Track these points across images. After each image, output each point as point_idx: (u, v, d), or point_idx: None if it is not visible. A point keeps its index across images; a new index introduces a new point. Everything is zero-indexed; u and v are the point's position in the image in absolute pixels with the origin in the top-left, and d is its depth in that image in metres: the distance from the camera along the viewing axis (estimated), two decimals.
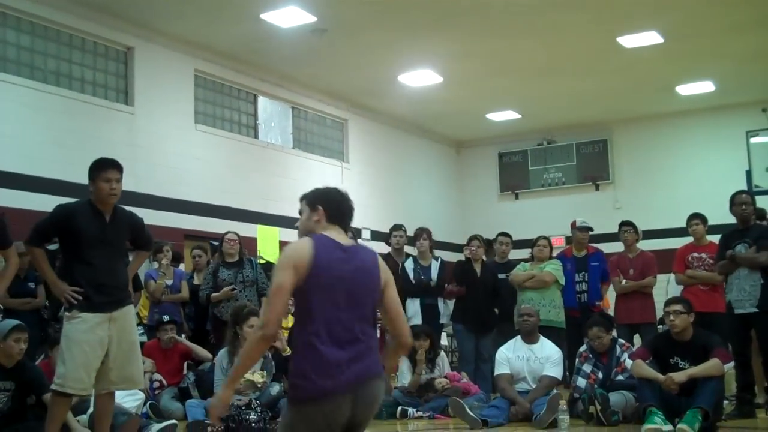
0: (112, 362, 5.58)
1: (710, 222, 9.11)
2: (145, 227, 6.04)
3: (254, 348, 3.73)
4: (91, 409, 6.76)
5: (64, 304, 5.77)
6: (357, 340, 3.69)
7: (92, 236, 5.58)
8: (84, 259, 5.59)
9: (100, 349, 5.52)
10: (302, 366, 3.60)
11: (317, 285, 3.68)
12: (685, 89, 16.69)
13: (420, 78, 15.44)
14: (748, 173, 17.06)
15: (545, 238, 9.67)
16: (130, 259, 6.52)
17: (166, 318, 8.95)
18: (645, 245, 11.07)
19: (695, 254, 8.88)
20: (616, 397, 7.24)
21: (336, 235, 3.86)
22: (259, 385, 7.63)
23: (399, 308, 3.96)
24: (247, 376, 7.61)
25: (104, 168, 5.63)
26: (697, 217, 9.05)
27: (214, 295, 9.08)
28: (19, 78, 11.16)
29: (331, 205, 3.95)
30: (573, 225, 9.94)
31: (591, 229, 9.59)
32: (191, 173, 13.41)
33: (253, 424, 7.32)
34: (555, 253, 9.84)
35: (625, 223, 9.57)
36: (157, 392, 8.48)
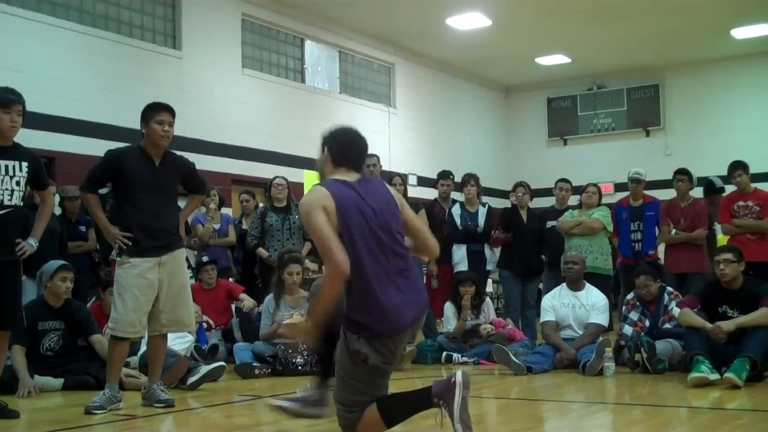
0: (163, 305, 5.66)
1: (764, 169, 8.90)
2: (196, 171, 6.06)
3: (330, 292, 3.81)
4: (141, 350, 6.91)
5: (114, 248, 5.85)
6: (404, 271, 3.88)
7: (142, 180, 5.63)
8: (134, 203, 5.64)
9: (150, 292, 5.60)
10: (367, 309, 3.82)
11: (350, 229, 3.79)
12: (740, 32, 16.27)
13: (468, 21, 15.24)
14: None
15: (594, 184, 9.55)
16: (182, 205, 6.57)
17: (205, 258, 9.05)
18: (696, 193, 10.92)
19: (741, 203, 8.58)
20: (662, 345, 7.19)
21: (343, 176, 3.97)
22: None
23: (419, 223, 4.19)
24: (288, 321, 7.66)
25: (157, 110, 5.68)
26: (739, 167, 8.69)
27: (261, 250, 9.11)
28: (68, 22, 11.22)
29: (337, 149, 4.06)
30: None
31: (640, 180, 9.40)
32: (238, 118, 13.45)
33: (299, 368, 7.42)
34: (609, 201, 9.69)
35: (679, 172, 9.28)
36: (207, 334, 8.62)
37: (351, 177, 3.98)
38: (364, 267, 3.80)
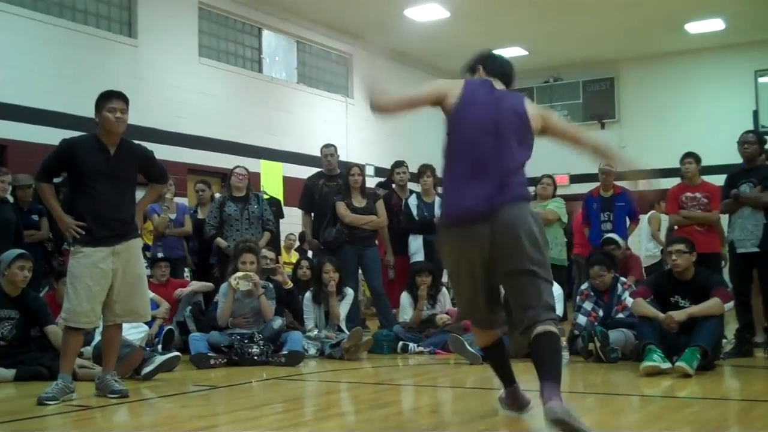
0: (117, 295, 5.63)
1: (716, 162, 8.98)
2: (155, 160, 6.01)
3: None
4: (95, 340, 6.84)
5: (68, 238, 5.80)
6: (496, 172, 4.12)
7: (96, 169, 5.58)
8: (88, 192, 5.59)
9: (104, 282, 5.57)
10: (445, 195, 4.25)
11: (461, 119, 4.24)
12: (694, 27, 16.50)
13: (427, 12, 15.27)
14: (755, 113, 16.96)
15: (549, 176, 9.65)
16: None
17: (160, 255, 9.02)
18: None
19: (689, 194, 8.61)
20: (615, 335, 7.28)
21: (493, 81, 4.36)
22: (252, 283, 7.66)
23: (564, 124, 4.75)
24: (238, 275, 7.68)
25: (109, 98, 5.64)
26: (690, 156, 8.75)
27: (219, 240, 9.07)
28: (23, 9, 11.07)
29: (492, 64, 4.49)
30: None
31: (611, 171, 9.44)
32: (194, 107, 13.35)
33: (255, 357, 7.40)
34: (565, 192, 9.77)
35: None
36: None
37: (498, 85, 4.35)
38: (456, 152, 4.28)
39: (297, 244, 13.86)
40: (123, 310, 5.69)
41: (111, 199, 5.62)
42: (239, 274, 7.74)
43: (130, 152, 5.76)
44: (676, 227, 8.82)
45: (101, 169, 5.59)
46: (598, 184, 9.70)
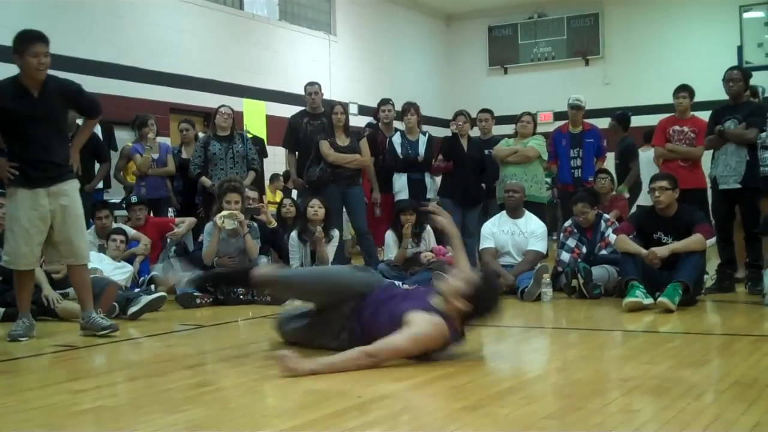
0: (58, 236, 5.60)
1: (700, 98, 8.91)
2: (83, 93, 5.78)
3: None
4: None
5: (3, 180, 5.71)
6: None
7: (21, 114, 5.44)
8: (17, 137, 5.51)
9: (41, 224, 5.53)
10: None
11: None
12: None
13: None
14: (740, 49, 16.90)
15: (529, 113, 9.65)
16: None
17: (134, 199, 9.02)
18: (634, 121, 11.04)
19: (677, 127, 8.50)
20: (598, 271, 7.34)
21: None
22: (238, 221, 7.68)
23: None
24: (223, 213, 7.68)
25: (31, 42, 5.42)
26: (684, 90, 8.62)
27: (204, 179, 9.04)
28: None
29: None
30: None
31: (580, 106, 9.46)
32: (175, 45, 13.18)
33: (241, 297, 7.43)
34: (549, 129, 9.74)
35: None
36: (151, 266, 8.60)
37: None
38: None
39: (283, 184, 13.83)
40: (67, 251, 5.67)
41: (41, 141, 5.51)
42: (224, 213, 7.73)
43: (54, 91, 5.56)
44: (661, 160, 8.77)
45: (27, 114, 5.45)
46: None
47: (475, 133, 10.06)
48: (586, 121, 9.64)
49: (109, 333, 5.53)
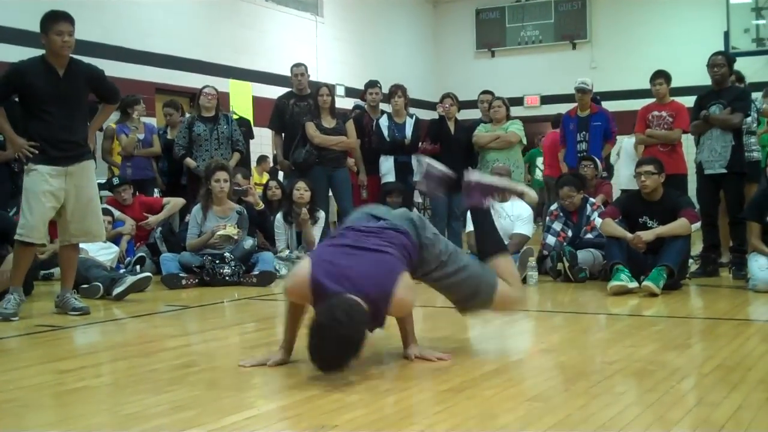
0: (71, 215, 5.68)
1: (688, 83, 8.93)
2: (106, 78, 5.95)
3: None
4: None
5: (22, 159, 5.77)
6: None
7: (46, 92, 5.55)
8: (39, 115, 5.59)
9: (54, 200, 5.61)
10: None
11: None
12: None
13: None
14: (726, 34, 16.91)
15: (500, 98, 9.67)
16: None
17: (116, 181, 9.02)
18: (621, 105, 11.06)
19: (656, 112, 8.53)
20: (584, 255, 7.37)
21: None
22: (235, 237, 7.67)
23: None
24: (222, 232, 7.65)
25: (56, 20, 5.55)
26: (660, 76, 8.64)
27: (188, 160, 9.01)
28: None
29: None
30: None
31: (586, 89, 9.38)
32: (161, 24, 13.09)
33: (227, 278, 7.43)
34: (536, 113, 9.75)
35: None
36: (136, 247, 8.61)
37: None
38: None
39: (271, 165, 13.79)
40: (78, 230, 5.75)
41: (63, 121, 5.62)
42: (222, 232, 7.66)
43: (79, 72, 5.71)
44: (642, 147, 8.79)
45: (51, 92, 5.56)
46: (573, 105, 9.63)
47: (474, 115, 9.98)
48: (596, 105, 9.55)
49: (79, 314, 5.59)
